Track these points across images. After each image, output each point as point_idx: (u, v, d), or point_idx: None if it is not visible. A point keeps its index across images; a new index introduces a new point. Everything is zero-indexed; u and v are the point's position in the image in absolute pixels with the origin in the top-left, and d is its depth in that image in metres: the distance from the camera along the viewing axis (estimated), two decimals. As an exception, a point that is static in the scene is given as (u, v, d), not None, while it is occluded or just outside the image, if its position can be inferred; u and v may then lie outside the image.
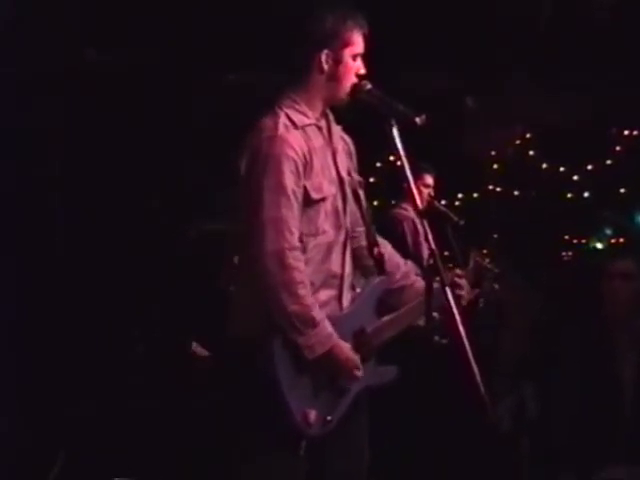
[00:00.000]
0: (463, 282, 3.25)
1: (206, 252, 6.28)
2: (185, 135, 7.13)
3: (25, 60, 6.04)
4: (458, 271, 3.32)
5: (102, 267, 6.30)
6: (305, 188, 3.06)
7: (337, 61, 3.12)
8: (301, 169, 3.05)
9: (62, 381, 5.56)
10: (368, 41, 3.17)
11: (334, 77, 3.13)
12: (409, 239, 6.22)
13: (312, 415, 3.03)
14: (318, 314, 3.01)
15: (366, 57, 3.18)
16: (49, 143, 6.38)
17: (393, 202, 6.69)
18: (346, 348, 3.08)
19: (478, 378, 2.65)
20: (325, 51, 3.10)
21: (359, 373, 3.10)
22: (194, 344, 5.57)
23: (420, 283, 3.31)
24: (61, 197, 6.43)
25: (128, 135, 6.72)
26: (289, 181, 3.01)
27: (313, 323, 2.99)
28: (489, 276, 3.42)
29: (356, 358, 3.10)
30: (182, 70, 7.05)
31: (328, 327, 3.03)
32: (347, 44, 3.12)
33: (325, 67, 3.12)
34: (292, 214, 3.01)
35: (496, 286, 3.44)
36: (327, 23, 3.09)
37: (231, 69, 7.38)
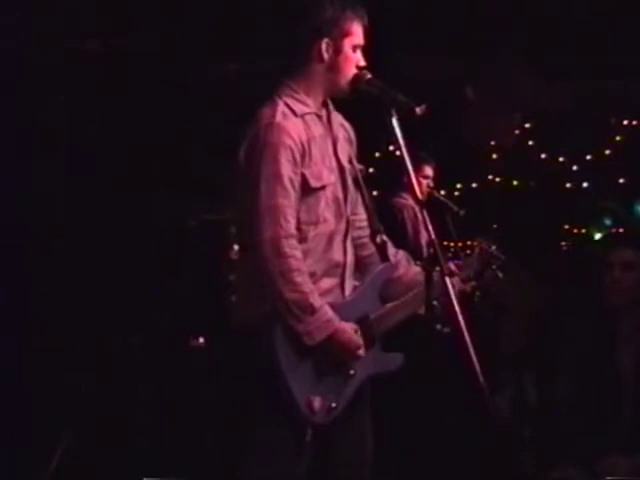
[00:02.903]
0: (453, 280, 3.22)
1: (206, 241, 6.29)
2: (185, 126, 7.13)
3: (26, 52, 6.05)
4: (451, 266, 3.31)
5: (103, 261, 6.30)
6: (303, 176, 3.07)
7: (337, 51, 3.12)
8: (298, 157, 3.05)
9: (61, 382, 5.56)
10: (368, 32, 3.17)
11: (334, 67, 3.13)
12: (409, 227, 6.20)
13: (316, 402, 3.03)
14: (316, 300, 3.01)
15: (365, 45, 3.18)
16: (48, 139, 6.39)
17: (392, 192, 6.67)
18: (348, 331, 3.08)
19: (477, 367, 2.65)
20: (325, 40, 3.11)
21: (361, 352, 3.10)
22: (194, 339, 5.58)
23: (411, 273, 3.33)
24: (62, 193, 6.44)
25: (127, 128, 6.72)
26: (285, 169, 3.01)
27: (311, 310, 2.99)
28: (495, 263, 3.42)
29: (358, 339, 3.10)
30: (181, 61, 7.04)
31: (328, 313, 3.03)
32: (347, 34, 3.13)
33: (325, 56, 3.12)
34: (288, 202, 3.01)
35: (500, 274, 3.44)
36: (327, 12, 3.10)
37: (230, 59, 7.37)
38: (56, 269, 6.07)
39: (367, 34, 3.18)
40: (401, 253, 3.40)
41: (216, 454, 4.90)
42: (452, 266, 3.32)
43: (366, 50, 3.19)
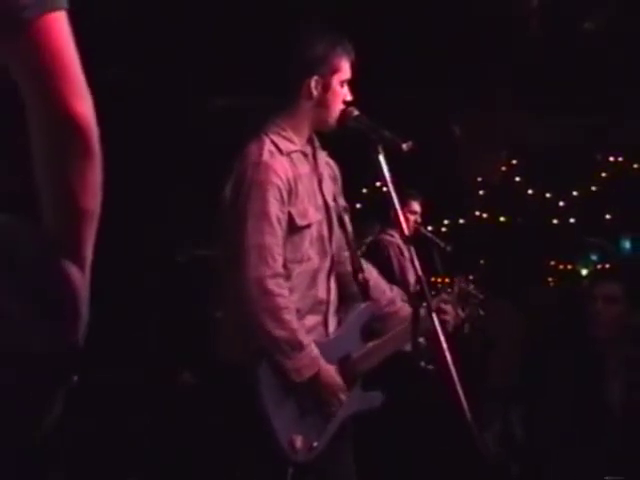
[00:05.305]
0: (449, 308, 3.25)
1: (193, 278, 6.27)
2: (173, 161, 7.14)
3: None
4: (444, 296, 3.31)
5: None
6: (290, 214, 3.07)
7: (326, 87, 3.13)
8: (285, 195, 3.05)
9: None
10: (355, 68, 3.19)
11: (322, 103, 3.14)
12: (395, 264, 6.19)
13: (298, 441, 3.03)
14: (305, 338, 3.02)
15: (353, 83, 3.19)
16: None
17: (379, 228, 6.68)
18: (332, 372, 3.08)
19: (464, 404, 2.63)
20: (315, 77, 3.11)
21: (344, 397, 3.10)
22: (184, 374, 5.54)
23: (406, 310, 3.30)
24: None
25: (114, 162, 6.73)
26: (273, 208, 3.01)
27: (300, 346, 2.99)
28: (474, 302, 3.42)
29: (341, 382, 3.10)
30: (170, 95, 7.06)
31: (314, 350, 3.04)
32: (336, 70, 3.14)
33: (314, 93, 3.12)
34: (275, 241, 3.01)
35: (481, 312, 3.43)
36: (317, 49, 3.11)
37: (219, 94, 7.40)
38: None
39: (354, 69, 3.19)
40: (396, 289, 3.41)
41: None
42: None
43: (355, 86, 3.20)
